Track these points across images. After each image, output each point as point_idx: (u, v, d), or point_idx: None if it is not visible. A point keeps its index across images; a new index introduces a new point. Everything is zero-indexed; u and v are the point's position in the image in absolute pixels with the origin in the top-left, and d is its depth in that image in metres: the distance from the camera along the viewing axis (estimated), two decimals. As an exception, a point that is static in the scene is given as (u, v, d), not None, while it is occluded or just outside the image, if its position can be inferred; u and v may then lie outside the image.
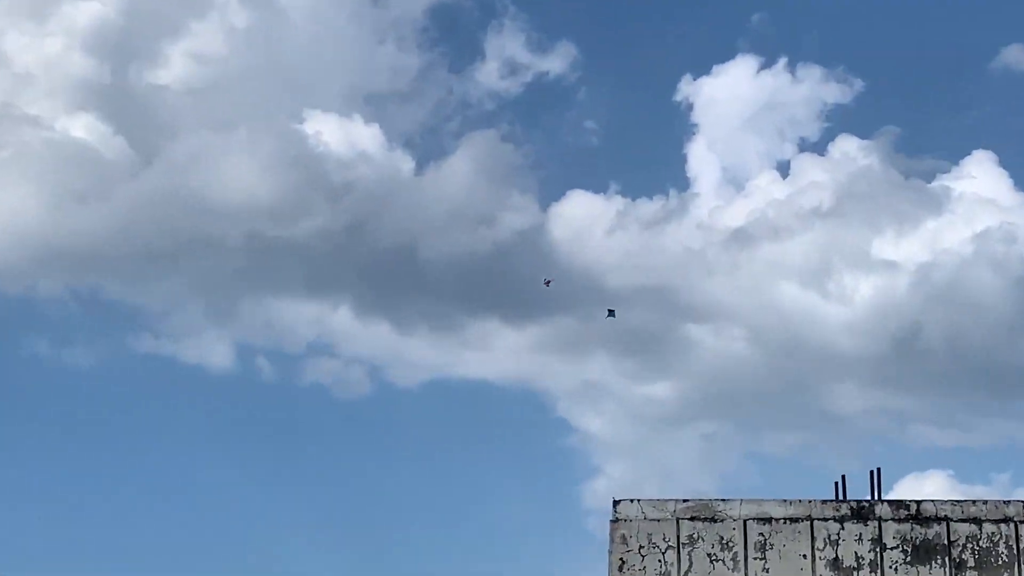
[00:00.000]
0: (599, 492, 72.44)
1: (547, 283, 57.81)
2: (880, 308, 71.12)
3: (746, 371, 73.57)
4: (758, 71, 78.84)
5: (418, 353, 74.31)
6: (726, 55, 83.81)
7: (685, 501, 16.41)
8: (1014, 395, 74.27)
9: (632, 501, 16.42)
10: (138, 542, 69.45)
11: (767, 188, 76.23)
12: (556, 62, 79.39)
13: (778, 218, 73.05)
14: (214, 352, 73.43)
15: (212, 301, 75.18)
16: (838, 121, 78.38)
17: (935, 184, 75.98)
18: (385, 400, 73.63)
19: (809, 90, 77.93)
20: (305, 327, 74.19)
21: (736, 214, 75.11)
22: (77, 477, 72.22)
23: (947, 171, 76.38)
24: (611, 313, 55.14)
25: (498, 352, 75.66)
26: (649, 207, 78.13)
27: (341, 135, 73.60)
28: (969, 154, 76.70)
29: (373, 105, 78.20)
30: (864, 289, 71.85)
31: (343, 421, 75.31)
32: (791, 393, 74.55)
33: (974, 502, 16.33)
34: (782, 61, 78.83)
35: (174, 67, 72.66)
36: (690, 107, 79.52)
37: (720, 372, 73.68)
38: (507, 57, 78.62)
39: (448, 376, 74.58)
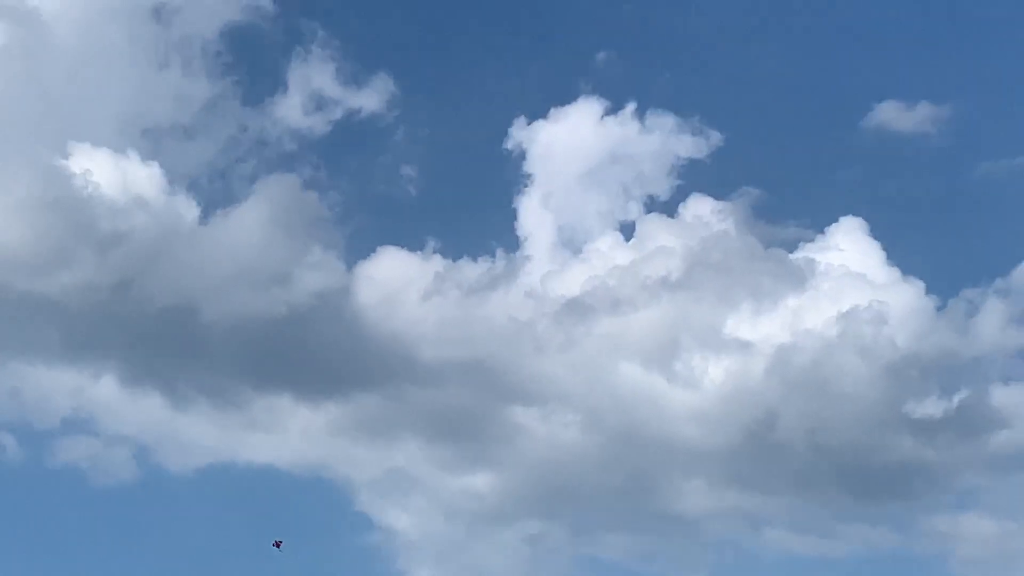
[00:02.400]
0: None
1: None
2: (733, 394, 69.47)
3: (580, 463, 72.04)
4: (602, 117, 75.64)
5: (196, 432, 72.15)
6: (566, 97, 79.48)
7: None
8: (879, 498, 72.51)
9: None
10: None
11: (608, 253, 73.98)
12: (371, 98, 78.36)
13: (620, 288, 71.02)
14: None
15: None
16: (691, 179, 76.74)
17: (798, 255, 74.13)
18: (155, 487, 71.13)
19: (659, 142, 75.48)
20: (61, 398, 70.79)
21: (572, 282, 73.16)
22: None
23: (811, 240, 74.81)
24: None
25: (290, 434, 73.32)
26: (472, 270, 76.63)
27: (114, 175, 67.12)
28: (836, 221, 75.15)
29: (152, 140, 73.08)
30: (715, 372, 70.16)
31: (103, 509, 71.57)
32: (631, 489, 73.02)
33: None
34: (630, 107, 76.56)
35: (-88, 88, 66.58)
36: (523, 155, 77.78)
37: (550, 463, 72.21)
38: (313, 90, 77.22)
39: (231, 461, 72.17)
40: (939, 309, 75.68)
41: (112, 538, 70.43)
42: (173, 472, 70.47)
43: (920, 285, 74.08)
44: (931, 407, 71.82)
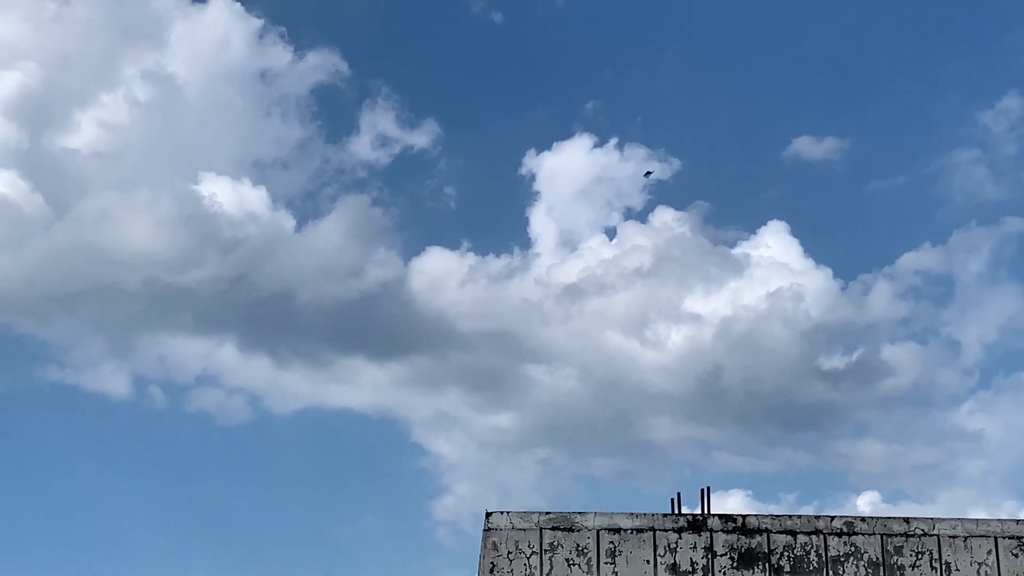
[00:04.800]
0: (448, 507, 75.00)
1: None
2: (688, 354, 73.28)
3: (576, 405, 75.94)
4: (592, 148, 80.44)
5: (293, 385, 75.87)
6: (565, 134, 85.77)
7: (547, 513, 16.65)
8: (798, 429, 77.87)
9: (502, 513, 16.61)
10: (42, 551, 69.89)
11: (597, 250, 77.62)
12: (421, 137, 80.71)
13: (605, 276, 74.83)
14: (112, 381, 73.93)
15: (112, 337, 75.83)
16: (658, 194, 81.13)
17: (737, 250, 77.95)
18: (263, 426, 74.81)
19: (634, 167, 79.12)
20: (194, 361, 75.49)
21: (569, 271, 76.65)
22: None
23: (747, 239, 78.38)
24: None
25: (363, 386, 76.62)
26: (496, 263, 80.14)
27: (232, 196, 74.11)
28: (765, 224, 79.08)
29: (260, 170, 78.85)
30: (676, 338, 74.02)
31: (225, 444, 76.26)
32: (614, 424, 76.90)
33: (790, 516, 16.82)
34: (613, 141, 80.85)
35: (84, 133, 72.83)
36: (533, 177, 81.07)
37: (554, 406, 75.83)
38: (378, 131, 79.89)
39: (319, 405, 76.01)
40: (843, 289, 79.27)
41: (233, 464, 76.13)
42: (277, 414, 74.22)
43: (828, 271, 77.95)
44: (836, 361, 76.16)
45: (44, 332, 74.67)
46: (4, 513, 71.11)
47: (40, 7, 74.61)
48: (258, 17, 78.41)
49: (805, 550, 16.72)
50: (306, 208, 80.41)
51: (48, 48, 73.94)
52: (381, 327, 75.67)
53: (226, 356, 75.39)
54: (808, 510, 16.98)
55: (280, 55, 78.90)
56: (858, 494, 70.04)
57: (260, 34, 78.88)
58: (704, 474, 72.06)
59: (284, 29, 79.78)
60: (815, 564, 16.66)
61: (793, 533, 16.80)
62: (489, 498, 74.71)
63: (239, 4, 77.84)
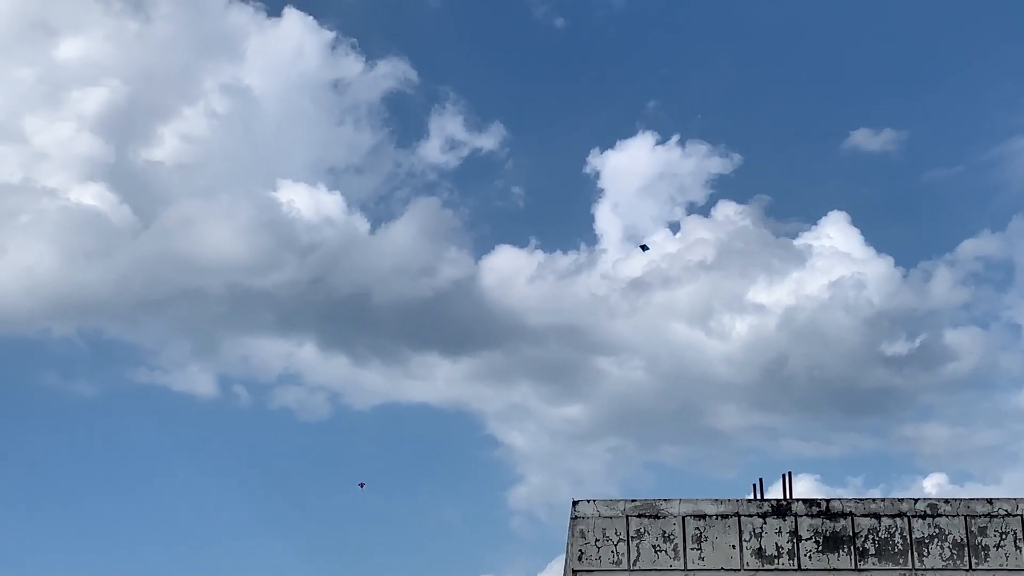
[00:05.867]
0: (522, 497, 75.86)
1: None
2: (753, 343, 72.63)
3: (644, 395, 75.82)
4: (654, 146, 79.48)
5: (371, 381, 76.37)
6: (628, 133, 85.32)
7: (633, 501, 16.59)
8: (862, 414, 77.47)
9: (589, 501, 16.56)
10: (136, 547, 71.88)
11: (661, 244, 76.69)
12: (488, 139, 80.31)
13: (670, 269, 74.07)
14: (199, 382, 75.25)
15: (198, 339, 77.14)
16: (720, 188, 79.39)
17: (799, 241, 77.05)
18: (343, 422, 75.91)
19: (696, 163, 78.33)
20: (276, 360, 76.07)
21: (635, 266, 75.61)
22: (83, 487, 74.65)
23: (808, 230, 77.44)
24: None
25: (437, 381, 77.40)
26: (563, 260, 79.81)
27: (309, 202, 74.25)
28: (826, 215, 77.77)
29: (335, 176, 78.91)
30: (740, 328, 73.31)
31: (307, 439, 77.42)
32: (681, 413, 76.70)
33: (874, 500, 16.66)
34: (675, 138, 79.55)
35: (167, 146, 73.53)
36: (597, 175, 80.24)
37: (622, 396, 75.75)
38: (447, 135, 79.42)
39: (396, 401, 76.60)
40: (904, 276, 77.83)
41: (313, 457, 76.99)
42: (356, 410, 74.96)
43: (890, 259, 76.02)
44: (899, 347, 74.60)
45: (133, 336, 76.20)
46: (100, 511, 73.22)
47: (122, 26, 75.25)
48: (330, 29, 78.01)
49: (889, 532, 16.53)
50: (379, 211, 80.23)
51: (131, 65, 74.66)
52: (454, 324, 75.66)
53: (306, 355, 75.88)
54: (875, 493, 16.69)
55: (352, 65, 78.42)
56: (924, 476, 70.07)
57: (332, 45, 78.22)
58: (771, 460, 72.83)
59: (355, 40, 79.11)
60: (900, 546, 16.47)
61: (877, 516, 16.61)
62: (562, 487, 75.88)
63: (312, 17, 77.37)
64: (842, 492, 61.99)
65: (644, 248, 62.94)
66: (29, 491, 72.08)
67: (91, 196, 71.11)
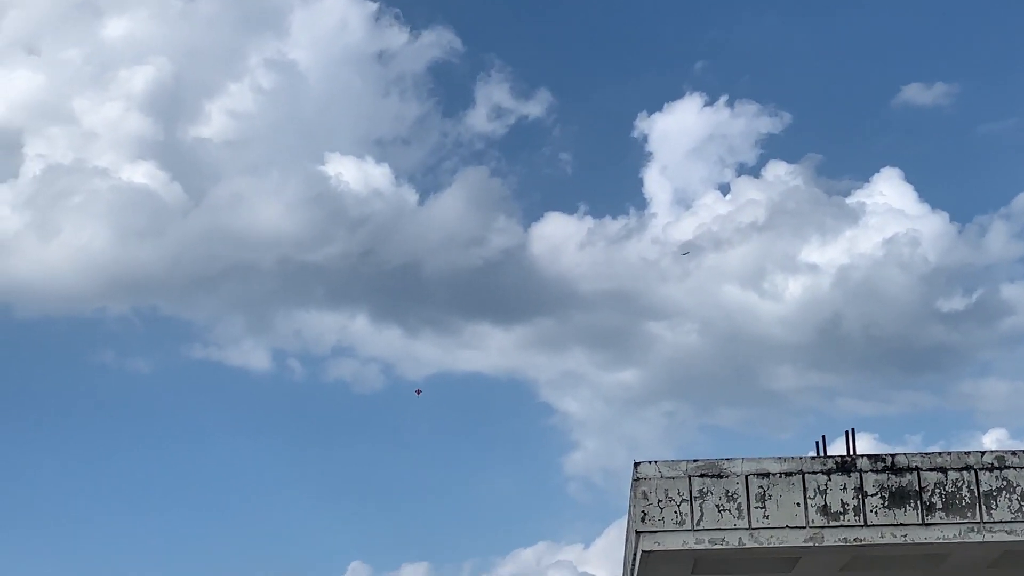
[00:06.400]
0: (578, 463, 78.61)
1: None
2: (807, 304, 73.61)
3: (698, 359, 77.56)
4: (702, 107, 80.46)
5: (424, 352, 78.08)
6: (675, 95, 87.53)
7: (695, 461, 16.33)
8: (920, 372, 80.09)
9: (650, 463, 16.32)
10: (195, 516, 75.28)
11: (711, 206, 77.92)
12: (535, 106, 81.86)
13: (721, 231, 74.92)
14: (253, 356, 77.83)
15: (251, 315, 79.36)
16: (770, 148, 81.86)
17: (851, 199, 77.57)
18: (397, 392, 77.14)
19: (745, 123, 79.83)
20: (329, 333, 78.08)
21: (685, 229, 76.94)
22: (141, 459, 78.73)
23: (861, 188, 78.01)
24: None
25: (490, 350, 79.34)
26: (613, 225, 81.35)
27: (357, 174, 74.82)
28: (879, 172, 78.64)
29: (382, 148, 79.88)
30: (793, 288, 74.44)
31: (362, 410, 79.55)
32: (736, 375, 78.83)
33: (940, 453, 16.31)
34: (722, 99, 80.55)
35: (215, 122, 74.59)
36: (645, 139, 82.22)
37: (676, 360, 77.48)
38: (494, 103, 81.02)
39: (449, 370, 78.58)
40: (959, 232, 79.34)
41: (370, 429, 79.73)
42: (409, 380, 75.76)
43: (945, 215, 77.59)
44: (956, 303, 76.41)
45: (188, 313, 79.53)
46: (161, 482, 77.09)
47: (167, 4, 77.29)
48: (373, 1, 79.97)
49: (956, 486, 16.18)
50: (427, 182, 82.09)
51: (176, 43, 75.91)
52: (505, 292, 77.08)
53: (359, 327, 77.64)
54: (936, 449, 16.32)
55: (396, 36, 79.53)
56: (984, 432, 72.13)
57: (376, 17, 79.75)
58: (828, 420, 73.41)
59: (399, 10, 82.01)
60: (967, 500, 16.12)
61: (944, 470, 16.26)
62: (618, 452, 77.62)
63: (354, -10, 77.99)
64: (902, 450, 62.69)
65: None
66: (91, 467, 74.66)
67: (142, 175, 72.95)
